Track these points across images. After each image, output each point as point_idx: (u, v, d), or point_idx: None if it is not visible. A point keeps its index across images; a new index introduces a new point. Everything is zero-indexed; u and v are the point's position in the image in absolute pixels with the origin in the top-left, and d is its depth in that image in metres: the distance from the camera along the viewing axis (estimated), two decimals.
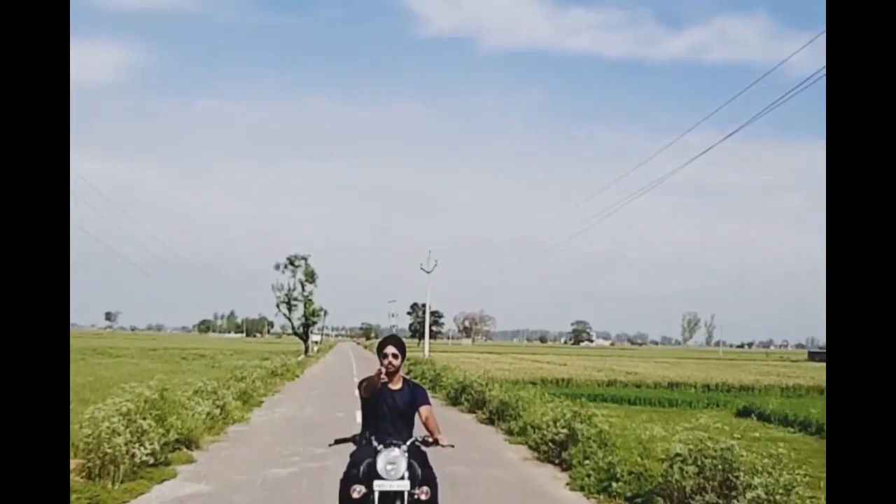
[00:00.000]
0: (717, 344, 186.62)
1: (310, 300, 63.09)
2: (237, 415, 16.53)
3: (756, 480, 6.46)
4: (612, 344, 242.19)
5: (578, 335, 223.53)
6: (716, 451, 7.20)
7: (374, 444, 5.15)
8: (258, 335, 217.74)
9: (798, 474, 6.49)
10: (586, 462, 10.51)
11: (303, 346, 63.66)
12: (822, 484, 10.28)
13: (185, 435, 11.95)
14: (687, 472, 7.34)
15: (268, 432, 14.81)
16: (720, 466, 7.10)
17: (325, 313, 69.79)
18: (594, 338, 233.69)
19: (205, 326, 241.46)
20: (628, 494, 8.86)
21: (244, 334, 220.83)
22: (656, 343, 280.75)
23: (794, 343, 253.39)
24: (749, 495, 6.41)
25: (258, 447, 12.79)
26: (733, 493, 6.77)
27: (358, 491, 4.94)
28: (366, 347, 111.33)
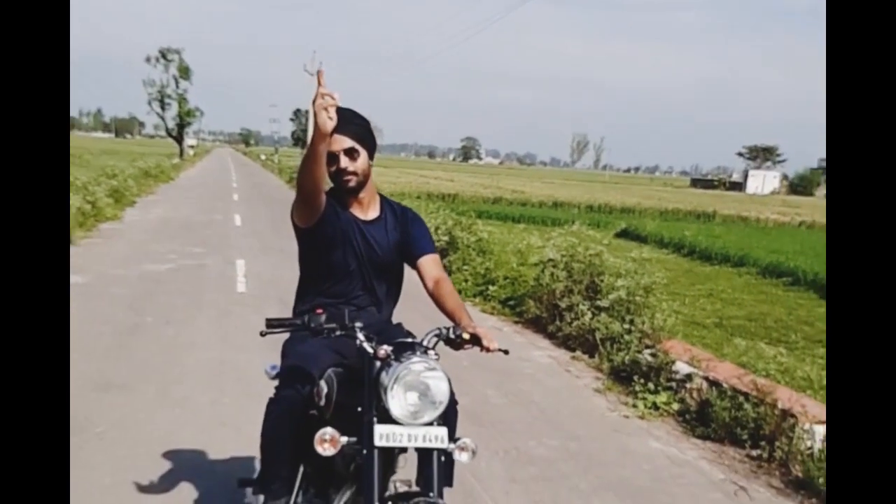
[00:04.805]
0: (605, 167, 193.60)
1: (184, 99, 59.85)
2: (109, 213, 16.02)
3: (619, 283, 6.94)
4: (501, 162, 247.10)
5: (467, 152, 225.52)
6: (585, 257, 7.62)
7: (361, 337, 2.42)
8: (129, 136, 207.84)
9: (657, 277, 7.01)
10: (465, 268, 10.96)
11: (178, 149, 61.27)
12: (686, 300, 11.34)
13: None
14: (557, 276, 7.77)
15: (142, 230, 14.50)
16: (588, 271, 7.55)
17: (202, 114, 66.69)
18: (483, 155, 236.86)
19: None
20: (503, 298, 9.37)
21: (113, 134, 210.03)
22: (545, 164, 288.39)
23: (679, 170, 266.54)
24: (612, 296, 6.91)
25: (133, 244, 12.54)
26: (598, 296, 7.26)
27: (330, 441, 2.32)
28: (245, 154, 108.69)
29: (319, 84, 2.41)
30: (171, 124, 60.92)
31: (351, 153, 2.79)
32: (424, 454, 2.38)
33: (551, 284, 7.87)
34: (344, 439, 2.35)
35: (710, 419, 5.21)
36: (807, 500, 4.31)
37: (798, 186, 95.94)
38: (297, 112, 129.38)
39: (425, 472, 2.38)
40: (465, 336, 2.51)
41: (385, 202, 3.04)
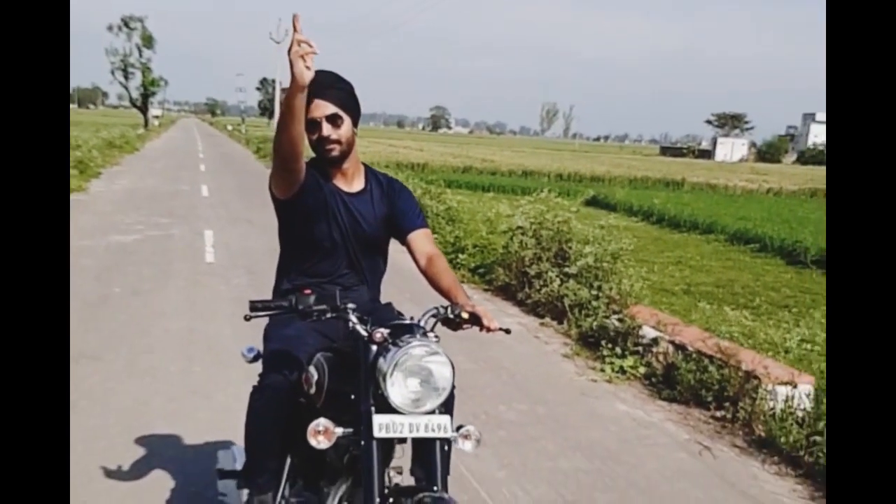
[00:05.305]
0: (575, 136, 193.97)
1: (148, 68, 58.67)
2: (74, 184, 15.71)
3: (587, 249, 7.01)
4: (470, 132, 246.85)
5: (437, 121, 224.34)
6: (553, 224, 7.67)
7: (353, 319, 2.26)
8: (92, 106, 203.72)
9: (624, 243, 7.09)
10: (434, 237, 10.97)
11: (142, 120, 60.20)
12: (655, 268, 11.46)
13: None
14: (526, 244, 7.82)
15: (108, 201, 14.30)
16: (556, 238, 7.61)
17: (166, 84, 65.55)
18: (453, 125, 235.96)
19: None
20: (472, 266, 9.42)
21: (76, 104, 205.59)
22: (514, 133, 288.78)
23: (649, 138, 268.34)
24: (580, 263, 6.98)
25: (99, 215, 12.37)
26: (566, 263, 7.32)
27: (324, 433, 2.15)
28: (211, 124, 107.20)
29: (295, 30, 2.19)
30: (136, 94, 59.82)
31: (334, 120, 2.57)
32: (425, 443, 2.20)
33: (520, 252, 7.92)
34: (339, 430, 2.17)
35: (675, 382, 5.32)
36: (769, 459, 4.43)
37: (766, 154, 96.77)
38: (263, 81, 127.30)
39: (427, 464, 2.21)
40: (464, 315, 2.36)
41: (370, 173, 2.81)
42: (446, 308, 2.36)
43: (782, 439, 4.43)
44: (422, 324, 2.27)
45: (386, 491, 2.16)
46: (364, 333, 2.20)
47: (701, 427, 4.88)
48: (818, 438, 4.23)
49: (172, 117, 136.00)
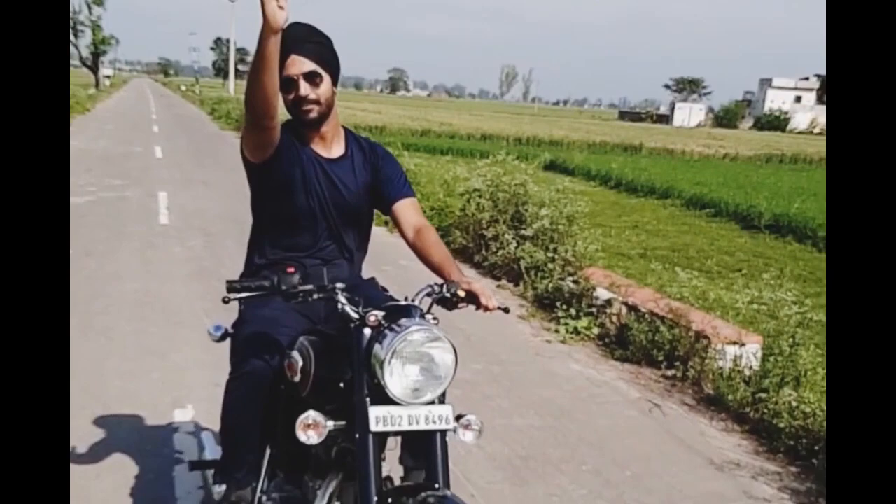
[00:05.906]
0: (534, 100, 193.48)
1: (98, 26, 56.92)
2: None
3: (543, 212, 7.07)
4: (429, 94, 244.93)
5: (395, 83, 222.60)
6: (510, 186, 7.71)
7: (342, 300, 2.06)
8: None
9: (579, 206, 7.16)
10: None
11: (93, 80, 58.56)
12: (612, 232, 11.57)
13: None
14: (483, 206, 7.85)
15: None
16: (513, 201, 7.65)
17: (117, 42, 63.80)
18: (411, 87, 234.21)
19: None
20: None
21: None
22: (474, 96, 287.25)
23: (608, 103, 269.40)
24: (536, 225, 7.04)
25: None
26: (522, 225, 7.38)
27: (314, 427, 1.99)
28: (164, 85, 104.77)
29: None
30: (86, 53, 58.20)
31: (312, 78, 2.34)
32: (422, 435, 1.99)
33: (477, 214, 7.95)
34: (330, 424, 1.99)
35: (628, 342, 5.43)
36: (717, 416, 4.57)
37: (723, 119, 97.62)
38: (217, 41, 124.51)
39: (425, 457, 2.01)
40: (461, 294, 2.17)
41: (351, 137, 2.58)
42: (441, 286, 2.19)
43: (730, 397, 4.57)
44: (417, 304, 2.08)
45: (384, 489, 1.97)
46: (355, 316, 2.01)
47: (652, 386, 5.01)
48: (763, 395, 4.39)
49: (124, 77, 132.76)
